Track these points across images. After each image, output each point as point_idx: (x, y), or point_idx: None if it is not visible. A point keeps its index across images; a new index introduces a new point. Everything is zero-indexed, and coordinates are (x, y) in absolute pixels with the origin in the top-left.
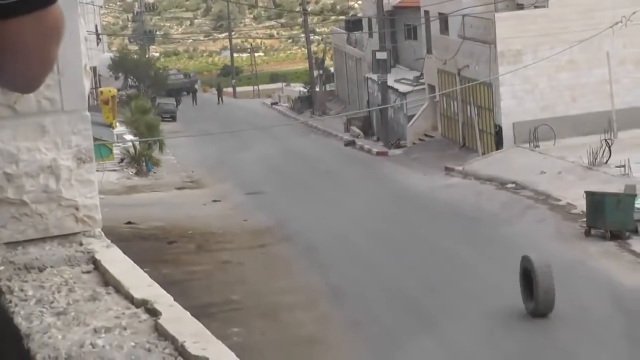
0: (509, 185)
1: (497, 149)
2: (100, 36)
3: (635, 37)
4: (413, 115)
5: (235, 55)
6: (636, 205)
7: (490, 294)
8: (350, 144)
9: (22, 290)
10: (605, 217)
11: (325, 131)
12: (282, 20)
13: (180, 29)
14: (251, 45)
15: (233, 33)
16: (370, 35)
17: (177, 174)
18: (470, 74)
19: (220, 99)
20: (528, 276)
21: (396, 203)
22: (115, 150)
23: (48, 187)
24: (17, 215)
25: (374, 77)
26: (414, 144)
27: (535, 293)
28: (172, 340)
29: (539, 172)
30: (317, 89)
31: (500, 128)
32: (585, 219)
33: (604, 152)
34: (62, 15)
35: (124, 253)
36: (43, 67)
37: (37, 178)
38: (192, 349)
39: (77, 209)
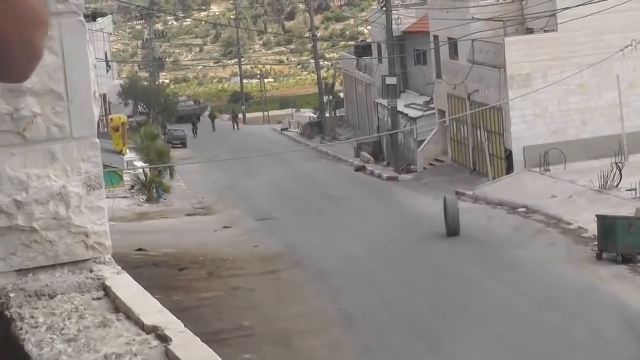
0: (520, 210)
1: (508, 173)
2: (110, 63)
3: None
4: (423, 140)
5: (244, 81)
6: None
7: (501, 317)
8: (360, 169)
9: (32, 317)
10: (617, 241)
11: (336, 156)
12: (292, 46)
13: (189, 56)
14: (261, 71)
15: (242, 59)
16: (380, 60)
17: (188, 200)
18: (480, 99)
19: (235, 124)
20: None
21: (406, 228)
22: (126, 177)
23: (58, 214)
24: (27, 242)
25: (384, 102)
26: (424, 168)
27: (446, 219)
28: None
29: (550, 196)
30: (327, 115)
31: (511, 152)
32: (596, 243)
33: (614, 175)
34: (41, 2)
35: (135, 279)
36: (28, 55)
37: (47, 205)
38: None
39: (87, 235)
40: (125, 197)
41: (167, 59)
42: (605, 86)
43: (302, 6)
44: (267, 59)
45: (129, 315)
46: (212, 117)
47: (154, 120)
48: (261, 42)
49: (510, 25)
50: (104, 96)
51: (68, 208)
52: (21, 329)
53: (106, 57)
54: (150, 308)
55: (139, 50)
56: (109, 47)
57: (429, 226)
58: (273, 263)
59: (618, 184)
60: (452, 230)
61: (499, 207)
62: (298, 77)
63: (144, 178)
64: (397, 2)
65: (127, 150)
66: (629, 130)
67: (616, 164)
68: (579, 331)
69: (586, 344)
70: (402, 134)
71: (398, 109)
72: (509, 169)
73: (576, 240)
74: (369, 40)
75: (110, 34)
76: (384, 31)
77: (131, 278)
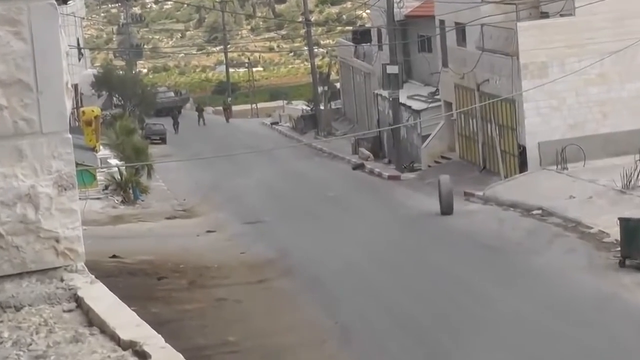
0: (535, 212)
1: (521, 171)
2: (83, 50)
3: None
4: (428, 135)
5: (231, 70)
6: None
7: (515, 329)
8: (358, 167)
9: None
10: None
11: (331, 153)
12: (283, 32)
13: (170, 42)
14: (249, 59)
15: (229, 46)
16: (380, 47)
17: (168, 201)
18: (490, 89)
19: (227, 118)
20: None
21: (409, 232)
22: (99, 177)
23: (26, 217)
24: None
25: (385, 93)
26: (429, 166)
27: (440, 199)
28: None
29: (568, 197)
30: (322, 107)
31: (525, 148)
32: (619, 248)
33: (638, 174)
34: None
35: (110, 290)
36: None
37: (14, 207)
38: None
39: (57, 241)
40: (98, 198)
41: (145, 46)
42: (628, 76)
43: None
44: (255, 46)
45: (104, 329)
46: (200, 110)
47: (131, 114)
48: (249, 27)
49: (524, 8)
50: (75, 87)
51: (37, 211)
52: None
53: (78, 44)
54: (127, 321)
55: (114, 36)
56: (81, 32)
57: (434, 230)
58: (262, 271)
59: None
60: (445, 209)
61: (512, 209)
62: (290, 66)
63: (119, 177)
64: None
65: (101, 147)
66: None
67: None
68: (598, 342)
69: (605, 352)
70: (405, 128)
71: (400, 101)
72: (523, 167)
73: (597, 246)
74: (368, 25)
75: (83, 18)
76: (384, 15)
77: (106, 288)
